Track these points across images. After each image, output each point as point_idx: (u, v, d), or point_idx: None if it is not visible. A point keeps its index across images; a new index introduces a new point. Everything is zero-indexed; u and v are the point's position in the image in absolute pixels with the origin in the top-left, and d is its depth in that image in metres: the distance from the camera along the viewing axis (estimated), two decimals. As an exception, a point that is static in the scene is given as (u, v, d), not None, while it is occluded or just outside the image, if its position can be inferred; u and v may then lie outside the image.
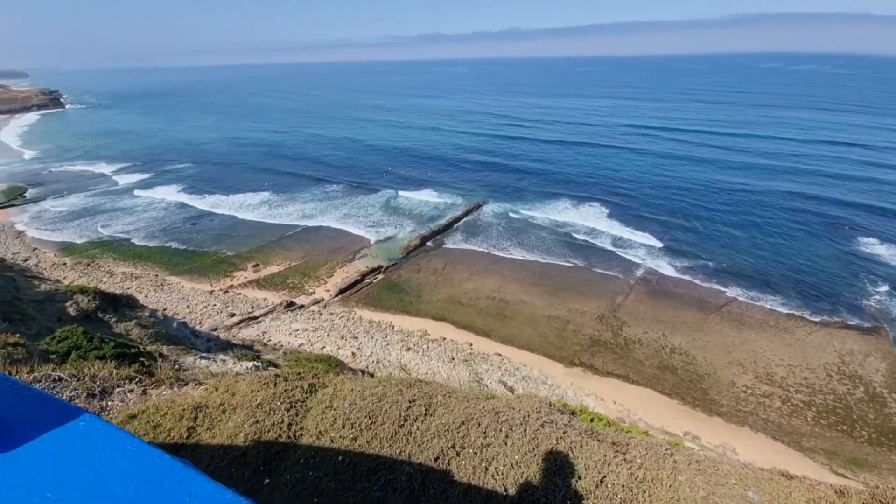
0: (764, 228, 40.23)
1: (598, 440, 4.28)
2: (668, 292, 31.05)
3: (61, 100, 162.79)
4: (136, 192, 54.45)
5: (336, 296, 31.16)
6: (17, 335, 7.49)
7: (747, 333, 26.30)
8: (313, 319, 28.40)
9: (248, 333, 25.68)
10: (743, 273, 32.84)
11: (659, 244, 37.61)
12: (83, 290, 12.96)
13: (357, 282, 32.72)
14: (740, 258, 35.06)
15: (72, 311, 12.05)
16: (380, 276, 33.86)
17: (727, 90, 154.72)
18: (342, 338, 26.29)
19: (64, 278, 30.35)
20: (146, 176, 61.84)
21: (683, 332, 26.49)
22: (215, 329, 25.33)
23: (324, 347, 24.93)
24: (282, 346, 23.14)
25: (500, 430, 4.16)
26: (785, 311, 28.21)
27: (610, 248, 37.58)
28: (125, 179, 60.43)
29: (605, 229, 40.82)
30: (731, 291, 30.60)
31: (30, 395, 1.18)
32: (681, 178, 54.81)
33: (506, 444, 4.04)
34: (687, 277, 32.66)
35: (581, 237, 39.60)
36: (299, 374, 5.25)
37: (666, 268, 34.04)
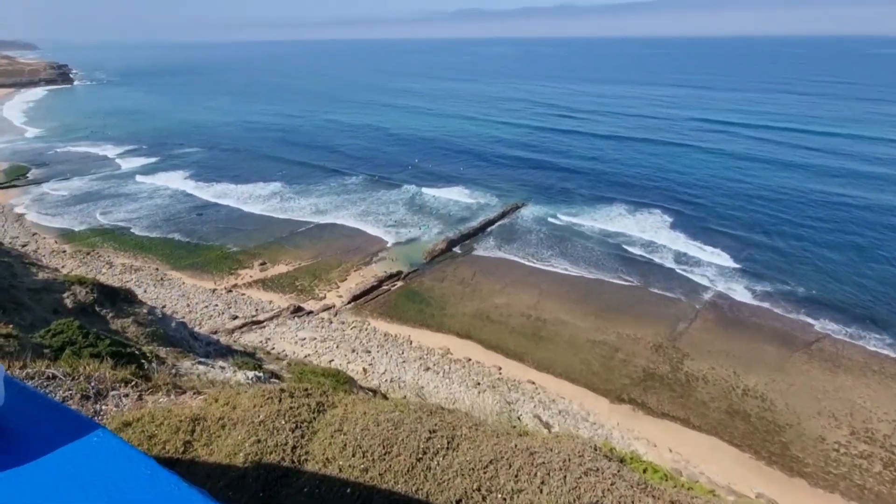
0: (869, 252, 37.84)
1: (654, 497, 4.11)
2: (742, 322, 29.85)
3: (70, 75, 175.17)
4: (140, 178, 57.48)
5: (349, 303, 31.68)
6: (10, 326, 8.03)
7: (843, 378, 24.78)
8: (322, 328, 28.96)
9: (250, 339, 26.47)
10: (840, 304, 31.01)
11: (733, 263, 36.31)
12: (81, 281, 13.80)
13: (373, 288, 33.14)
14: (837, 286, 33.15)
15: (69, 302, 12.83)
16: (399, 283, 34.15)
17: (828, 80, 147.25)
18: (353, 351, 26.68)
19: (62, 267, 32.42)
20: (152, 160, 65.31)
21: (760, 372, 25.32)
22: (215, 332, 26.27)
23: (332, 360, 25.34)
24: (286, 355, 23.71)
25: (535, 475, 4.06)
26: (893, 354, 26.50)
27: (672, 265, 36.63)
28: (129, 164, 64.01)
29: (667, 242, 39.84)
30: (824, 326, 28.99)
31: (40, 402, 1.20)
32: (763, 184, 52.57)
33: (541, 491, 3.94)
34: (767, 305, 31.28)
35: (637, 250, 38.79)
36: (306, 390, 5.35)
37: (741, 292, 32.82)
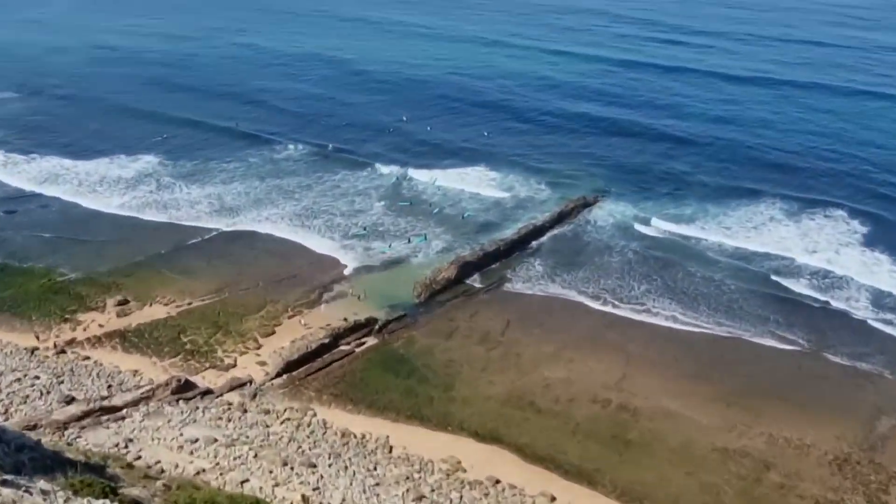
0: None
1: None
2: None
3: None
4: None
5: (278, 376, 31.42)
6: None
7: None
8: (229, 421, 28.70)
9: (98, 438, 26.17)
10: None
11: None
12: None
13: (322, 349, 32.94)
14: None
15: None
16: (369, 342, 34.00)
17: None
18: (285, 464, 26.31)
19: None
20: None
21: None
22: (35, 425, 26.10)
23: (247, 481, 25.01)
24: (163, 470, 23.49)
25: None
26: None
27: (866, 312, 36.63)
28: None
29: (857, 273, 39.93)
30: None
31: None
32: None
33: None
34: None
35: (802, 287, 38.85)
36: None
37: None
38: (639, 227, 45.21)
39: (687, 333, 35.09)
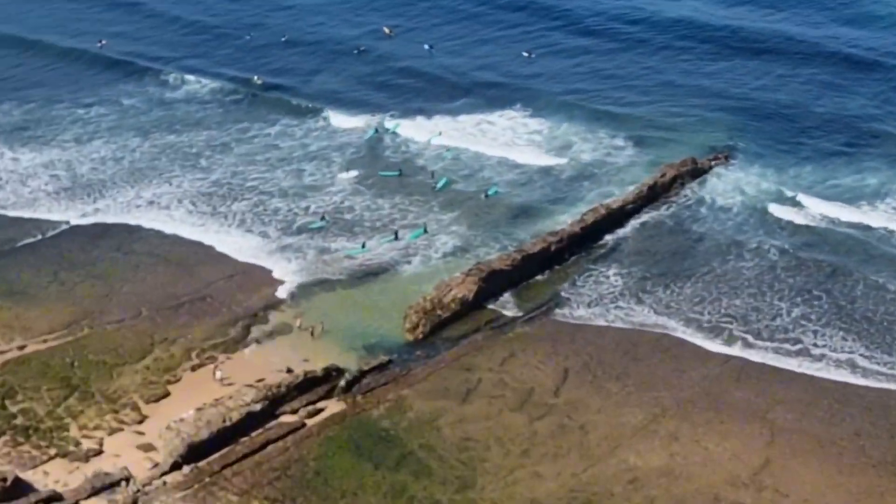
0: None
1: None
2: None
3: None
4: None
5: (175, 468, 31.27)
6: None
7: None
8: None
9: None
10: None
11: None
12: None
13: (250, 422, 32.99)
14: None
15: None
16: (329, 407, 34.22)
17: None
18: None
19: None
20: None
21: None
22: None
23: None
24: None
25: None
26: None
27: None
28: None
29: None
30: None
31: None
32: None
33: None
34: None
35: None
36: None
37: None
38: (784, 211, 45.35)
39: (875, 392, 34.70)
